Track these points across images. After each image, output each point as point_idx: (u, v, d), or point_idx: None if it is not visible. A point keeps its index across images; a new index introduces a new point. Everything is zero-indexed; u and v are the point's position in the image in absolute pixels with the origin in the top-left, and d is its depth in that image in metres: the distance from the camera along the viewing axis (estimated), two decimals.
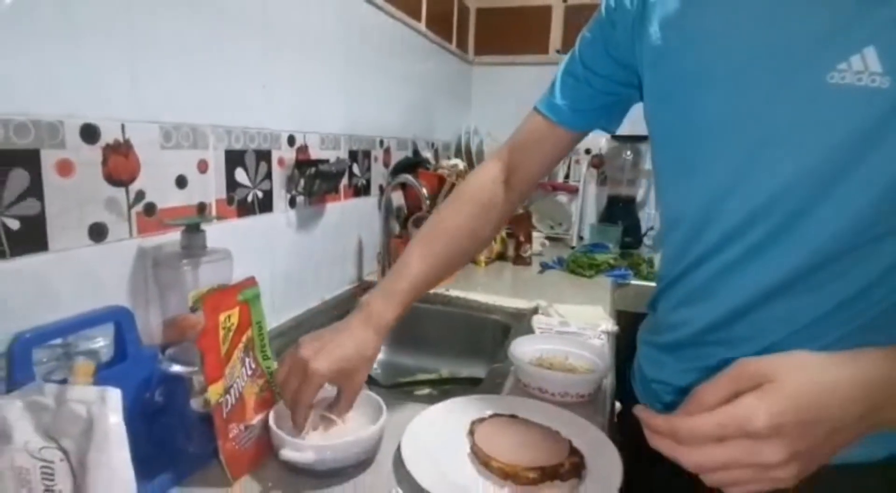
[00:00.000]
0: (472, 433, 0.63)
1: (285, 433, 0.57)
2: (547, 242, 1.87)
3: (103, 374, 0.52)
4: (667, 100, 0.61)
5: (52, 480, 0.41)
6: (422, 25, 1.64)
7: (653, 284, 1.38)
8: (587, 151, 2.01)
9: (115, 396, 0.42)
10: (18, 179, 0.57)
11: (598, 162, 2.01)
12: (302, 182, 1.04)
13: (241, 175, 0.90)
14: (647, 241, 1.95)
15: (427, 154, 1.67)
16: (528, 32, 2.08)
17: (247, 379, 0.60)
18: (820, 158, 0.50)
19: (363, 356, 0.62)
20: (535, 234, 1.71)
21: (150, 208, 0.73)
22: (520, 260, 1.60)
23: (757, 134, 0.53)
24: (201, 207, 0.83)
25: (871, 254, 0.51)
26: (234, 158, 0.88)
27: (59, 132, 0.61)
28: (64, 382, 0.48)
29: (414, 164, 1.52)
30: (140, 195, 0.71)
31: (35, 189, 0.59)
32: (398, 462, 0.59)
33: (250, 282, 0.62)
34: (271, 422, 0.58)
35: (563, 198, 1.95)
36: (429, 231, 0.72)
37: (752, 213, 0.54)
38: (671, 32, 0.58)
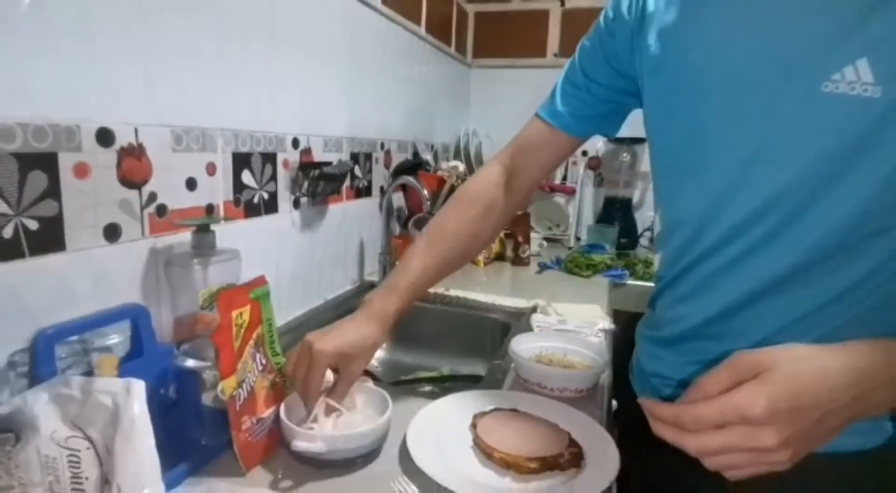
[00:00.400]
0: (474, 425, 0.65)
1: (296, 424, 0.59)
2: (545, 242, 1.90)
3: (122, 369, 0.54)
4: (667, 108, 0.63)
5: (79, 467, 0.44)
6: (421, 30, 1.66)
7: (649, 284, 1.41)
8: (584, 154, 2.04)
9: (139, 386, 0.44)
10: (37, 181, 0.59)
11: (595, 164, 2.03)
12: (306, 184, 1.06)
13: (247, 177, 0.93)
14: (643, 242, 1.98)
15: (427, 156, 1.70)
16: (525, 36, 2.11)
17: (258, 374, 0.62)
18: (816, 163, 0.52)
19: (364, 345, 0.65)
20: (533, 235, 1.73)
21: (161, 210, 0.75)
22: (518, 260, 1.62)
23: (755, 140, 0.55)
24: (210, 209, 0.85)
25: (857, 254, 0.54)
26: (240, 161, 0.90)
27: (76, 136, 0.63)
28: (85, 376, 0.50)
29: (414, 166, 1.55)
30: (152, 197, 0.74)
31: (53, 191, 0.61)
32: (404, 453, 0.61)
33: (261, 281, 0.64)
34: (282, 415, 0.60)
35: (560, 199, 1.97)
36: (431, 233, 0.75)
37: (751, 214, 0.57)
38: (670, 42, 0.60)
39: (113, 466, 0.42)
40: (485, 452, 0.61)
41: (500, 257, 1.66)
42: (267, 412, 0.62)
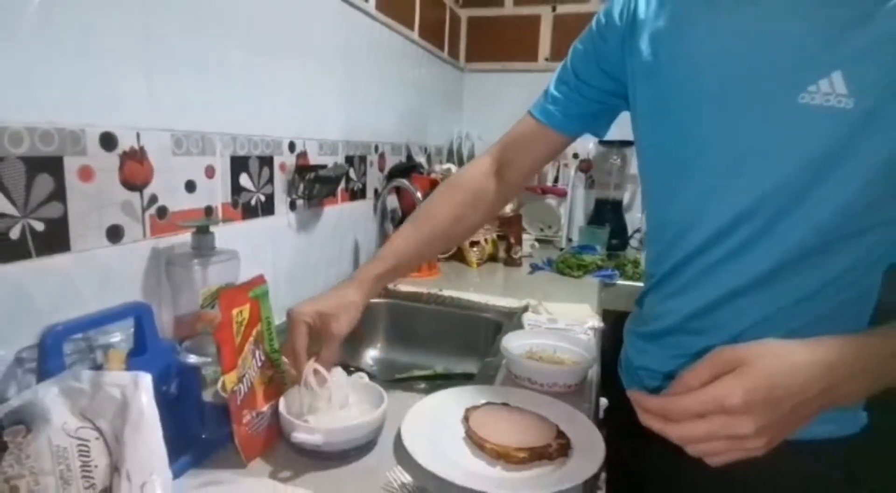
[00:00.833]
0: (466, 419, 0.68)
1: (294, 418, 0.61)
2: (537, 243, 1.93)
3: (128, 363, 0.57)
4: (657, 113, 0.65)
5: (89, 456, 0.46)
6: (415, 34, 1.69)
7: (638, 283, 1.43)
8: (575, 156, 2.07)
9: (146, 379, 0.46)
10: (44, 183, 0.61)
11: (586, 166, 2.07)
12: (302, 186, 1.09)
13: (245, 180, 0.95)
14: (633, 243, 2.01)
15: (420, 159, 1.73)
16: (517, 41, 2.14)
17: (257, 370, 0.64)
18: (798, 169, 0.55)
19: (341, 304, 0.70)
20: (525, 236, 1.76)
21: (162, 211, 0.77)
22: (511, 261, 1.65)
23: (740, 147, 0.58)
24: (209, 211, 0.87)
25: (836, 252, 0.57)
26: (238, 164, 0.93)
27: (81, 140, 0.65)
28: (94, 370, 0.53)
29: (408, 168, 1.57)
30: (153, 199, 0.76)
31: (59, 193, 0.63)
32: (399, 445, 0.63)
33: (259, 280, 0.67)
34: (282, 409, 0.63)
35: (552, 201, 2.00)
36: (418, 214, 0.81)
37: (737, 216, 0.59)
38: (661, 48, 0.63)
39: (122, 454, 0.44)
40: (477, 443, 0.63)
41: (492, 258, 1.69)
42: (266, 407, 0.64)
